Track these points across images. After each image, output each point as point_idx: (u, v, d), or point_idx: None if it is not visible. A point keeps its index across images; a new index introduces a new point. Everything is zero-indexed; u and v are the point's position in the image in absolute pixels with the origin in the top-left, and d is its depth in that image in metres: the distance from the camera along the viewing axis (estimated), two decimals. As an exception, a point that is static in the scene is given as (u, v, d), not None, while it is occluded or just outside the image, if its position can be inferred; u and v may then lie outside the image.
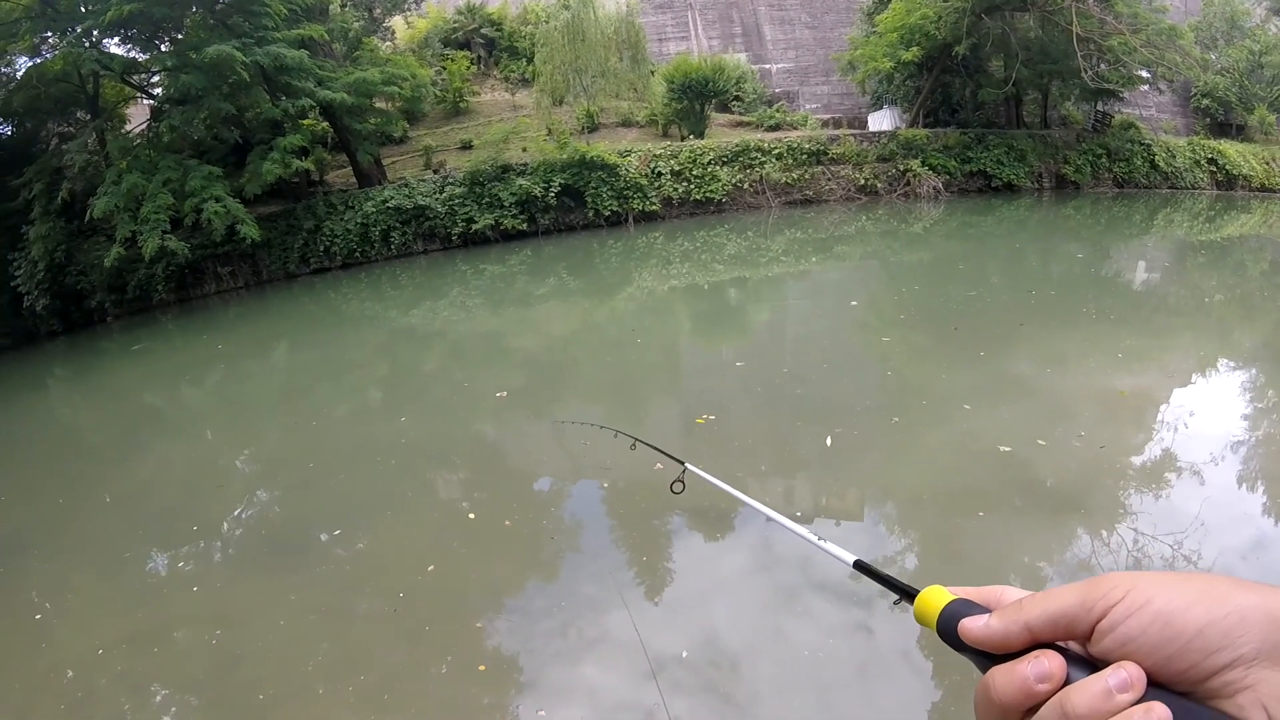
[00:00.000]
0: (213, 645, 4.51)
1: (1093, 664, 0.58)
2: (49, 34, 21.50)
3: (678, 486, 1.83)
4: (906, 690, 3.60)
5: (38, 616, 5.27)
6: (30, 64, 22.60)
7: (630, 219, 24.74)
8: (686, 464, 1.87)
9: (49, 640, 4.92)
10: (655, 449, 2.44)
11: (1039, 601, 0.61)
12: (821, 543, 1.06)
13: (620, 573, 4.82)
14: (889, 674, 3.71)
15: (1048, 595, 0.61)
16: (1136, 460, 5.77)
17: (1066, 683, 0.57)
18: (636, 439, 2.68)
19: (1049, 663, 0.58)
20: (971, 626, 0.64)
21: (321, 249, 23.63)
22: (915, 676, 3.68)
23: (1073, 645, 0.60)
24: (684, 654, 3.89)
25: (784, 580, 4.49)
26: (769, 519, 1.28)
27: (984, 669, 0.63)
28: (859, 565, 0.95)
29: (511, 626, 4.39)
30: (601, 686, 3.80)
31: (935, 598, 0.70)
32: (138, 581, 5.71)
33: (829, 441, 6.35)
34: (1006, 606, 0.64)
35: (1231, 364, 8.35)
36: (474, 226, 23.67)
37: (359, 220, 23.55)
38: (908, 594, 0.76)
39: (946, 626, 0.67)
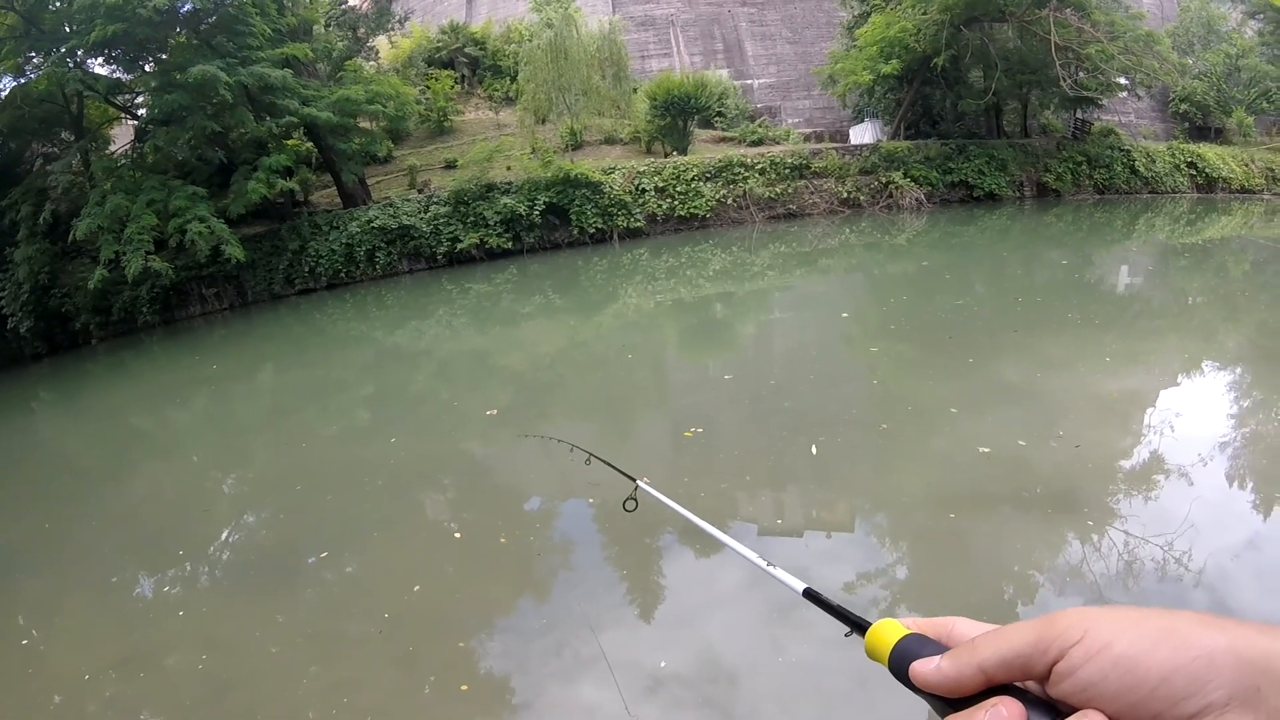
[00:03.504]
0: (201, 670, 4.45)
1: (1055, 708, 0.55)
2: (33, 54, 21.41)
3: (630, 504, 1.78)
4: (906, 705, 3.57)
5: (25, 641, 5.20)
6: (14, 84, 22.51)
7: (615, 236, 24.78)
8: (639, 481, 1.83)
9: (36, 665, 4.84)
10: (608, 464, 2.39)
11: (991, 642, 0.58)
12: (771, 569, 1.01)
13: (612, 590, 4.79)
14: (890, 687, 3.67)
15: (1000, 635, 0.59)
16: (1126, 461, 5.79)
17: None
18: (591, 454, 2.62)
19: (1007, 711, 0.55)
20: (923, 670, 0.62)
21: (306, 269, 23.53)
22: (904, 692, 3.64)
23: (1032, 686, 0.58)
24: (678, 672, 3.86)
25: (778, 595, 4.46)
26: (723, 544, 1.24)
27: (941, 712, 0.61)
28: (809, 594, 0.90)
29: (497, 646, 4.35)
30: (590, 706, 3.76)
31: (887, 632, 0.67)
32: (126, 605, 5.63)
33: (814, 450, 6.35)
34: (959, 648, 0.61)
35: (1216, 364, 8.41)
36: (459, 245, 23.65)
37: (344, 240, 23.48)
38: (859, 626, 0.73)
39: (898, 665, 0.65)
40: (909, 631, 0.66)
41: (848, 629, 0.76)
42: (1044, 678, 0.55)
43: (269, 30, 21.71)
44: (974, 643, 0.60)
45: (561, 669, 4.03)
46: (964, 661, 0.59)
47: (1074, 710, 0.53)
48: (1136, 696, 0.50)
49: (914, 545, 5.01)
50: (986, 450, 5.99)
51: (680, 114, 27.81)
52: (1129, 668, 0.51)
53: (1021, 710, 0.55)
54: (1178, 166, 30.45)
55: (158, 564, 6.19)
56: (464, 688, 3.99)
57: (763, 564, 1.03)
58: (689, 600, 4.60)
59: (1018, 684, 0.58)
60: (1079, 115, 31.84)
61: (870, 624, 0.70)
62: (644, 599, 4.68)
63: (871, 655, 0.68)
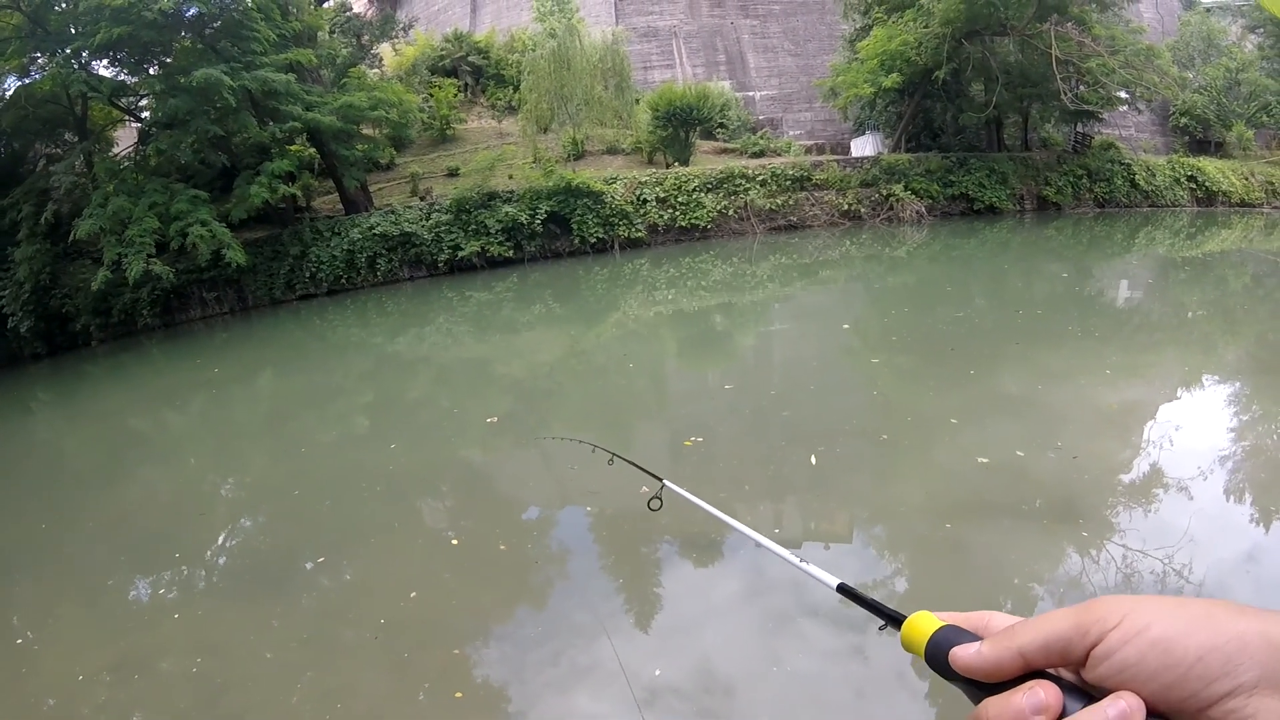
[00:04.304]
0: (195, 674, 4.42)
1: (1087, 693, 0.56)
2: (38, 54, 21.50)
3: (655, 504, 1.78)
4: (903, 713, 3.56)
5: (19, 642, 5.17)
6: (19, 84, 22.56)
7: (616, 246, 24.81)
8: (665, 480, 1.83)
9: (30, 667, 4.82)
10: (633, 464, 2.40)
11: (1032, 627, 0.60)
12: (804, 565, 1.02)
13: (610, 600, 4.78)
14: (886, 697, 3.66)
15: (1041, 620, 0.60)
16: (1126, 474, 5.78)
17: (1063, 713, 0.55)
18: (615, 454, 2.63)
19: (1045, 694, 0.56)
20: (963, 655, 0.62)
21: (307, 275, 23.55)
22: (912, 700, 3.64)
23: (1065, 673, 0.59)
24: (676, 681, 3.84)
25: (775, 605, 4.44)
26: (755, 542, 1.24)
27: (975, 699, 0.61)
28: (843, 589, 0.91)
29: (492, 654, 4.33)
30: (588, 715, 3.74)
31: (923, 624, 0.68)
32: (121, 608, 5.60)
33: (813, 460, 6.34)
34: (999, 633, 0.62)
35: (1216, 377, 8.41)
36: (460, 253, 23.67)
37: (345, 247, 23.50)
38: (894, 620, 0.74)
39: (935, 654, 0.65)
40: (944, 624, 0.67)
41: (882, 623, 0.77)
42: (1081, 663, 0.56)
43: (273, 36, 21.79)
44: (1014, 628, 0.61)
45: (557, 677, 4.02)
46: (1004, 645, 0.60)
47: (1108, 694, 0.55)
48: (1172, 677, 0.52)
49: (912, 556, 5.00)
50: (985, 461, 5.99)
51: (682, 125, 27.88)
52: (1166, 649, 0.52)
53: (1058, 693, 0.56)
54: (1178, 180, 30.51)
55: (153, 567, 6.17)
56: (458, 695, 3.97)
57: (796, 560, 1.04)
58: (688, 609, 4.58)
59: (1052, 671, 0.59)
60: (1079, 129, 31.95)
61: (905, 617, 0.71)
62: (642, 608, 4.66)
63: (907, 647, 0.69)
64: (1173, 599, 0.56)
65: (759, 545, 1.20)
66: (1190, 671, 0.51)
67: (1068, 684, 0.57)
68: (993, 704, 0.58)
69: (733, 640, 4.20)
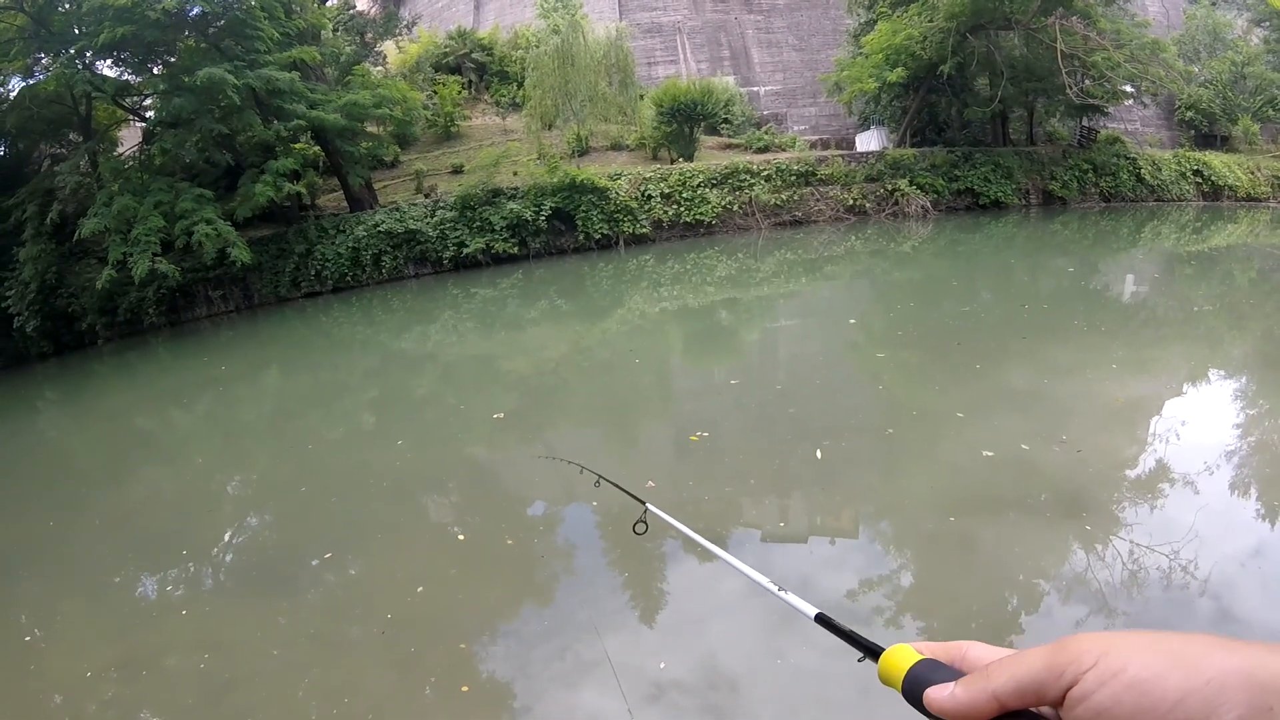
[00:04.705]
0: (202, 671, 4.44)
1: None
2: (42, 55, 21.56)
3: (640, 527, 1.80)
4: (906, 711, 3.55)
5: (26, 639, 5.21)
6: (23, 85, 22.60)
7: (621, 242, 24.79)
8: (648, 505, 1.85)
9: (38, 664, 4.85)
10: (617, 487, 2.41)
11: (1005, 668, 0.59)
12: (783, 594, 1.01)
13: (613, 596, 4.79)
14: (892, 698, 3.66)
15: (1014, 660, 0.59)
16: (1133, 469, 5.77)
17: None
18: (601, 476, 2.64)
19: None
20: (937, 697, 0.62)
21: (313, 273, 23.57)
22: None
23: (1045, 710, 0.58)
24: (680, 678, 3.85)
25: (780, 604, 4.43)
26: (736, 570, 1.23)
27: None
28: (821, 619, 0.90)
29: (499, 649, 4.34)
30: (591, 710, 3.75)
31: (900, 658, 0.67)
32: (127, 605, 5.63)
33: (819, 454, 6.34)
34: (973, 675, 0.61)
35: (1222, 372, 8.39)
36: (465, 250, 23.67)
37: (350, 244, 23.52)
38: (872, 652, 0.73)
39: (912, 691, 0.65)
40: (922, 657, 0.66)
41: (860, 654, 0.76)
42: (1058, 703, 0.55)
43: (277, 34, 21.78)
44: (988, 669, 0.60)
45: (563, 673, 4.02)
46: (978, 688, 0.59)
47: None
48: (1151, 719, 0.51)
49: (917, 550, 5.00)
50: (991, 454, 5.98)
51: (686, 120, 27.84)
52: (1143, 691, 0.51)
53: None
54: (1183, 174, 30.36)
55: (160, 564, 6.19)
56: (465, 689, 3.99)
57: (774, 589, 1.02)
58: (692, 607, 4.59)
59: (1032, 710, 0.58)
60: (1085, 123, 31.82)
61: (883, 649, 0.70)
62: (647, 605, 4.67)
63: (885, 681, 0.69)
64: (1149, 635, 0.55)
65: (740, 572, 1.19)
66: (1169, 715, 0.50)
67: None
68: None
69: (735, 637, 4.20)
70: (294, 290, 23.63)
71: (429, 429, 9.05)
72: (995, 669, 0.59)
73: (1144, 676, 0.51)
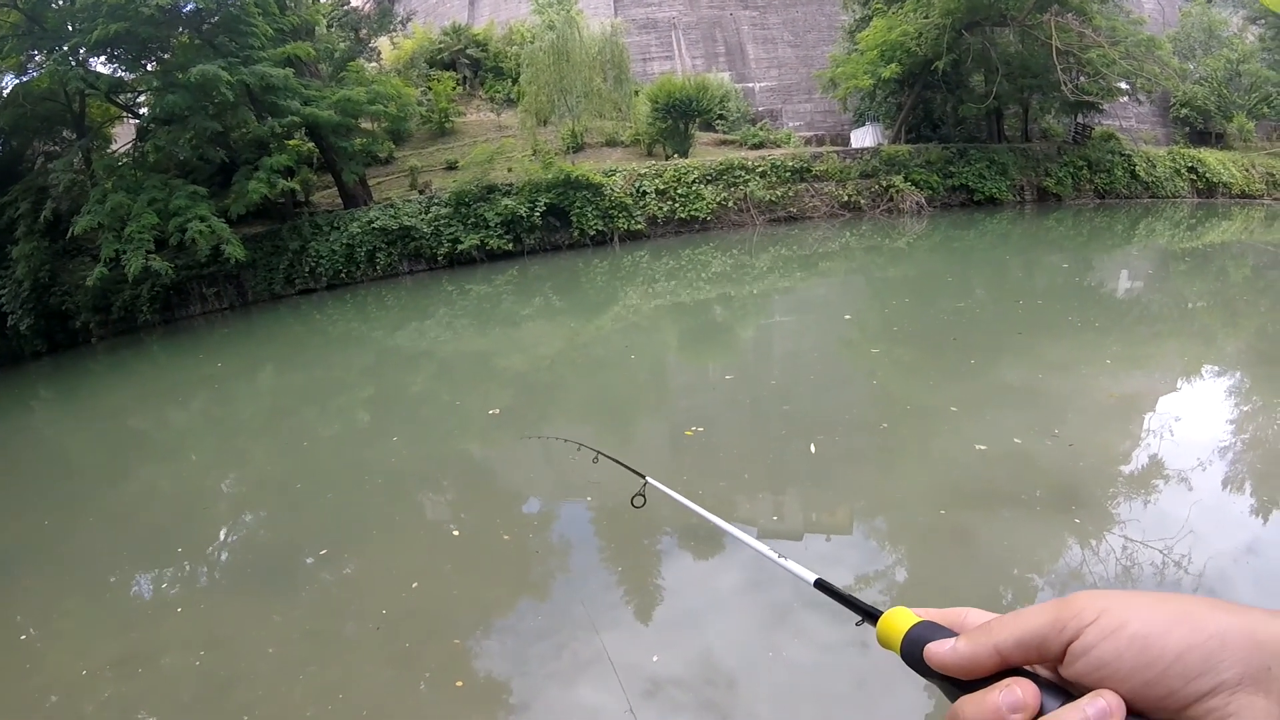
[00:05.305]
0: (199, 668, 4.44)
1: (1065, 690, 0.55)
2: (35, 52, 21.42)
3: (639, 500, 1.79)
4: (904, 707, 3.57)
5: (23, 637, 5.19)
6: (16, 82, 22.49)
7: (615, 238, 24.77)
8: (647, 477, 1.84)
9: (35, 662, 4.84)
10: (617, 462, 2.40)
11: (1008, 623, 0.59)
12: (783, 560, 1.01)
13: (609, 591, 4.79)
14: (888, 689, 3.67)
15: (1017, 616, 0.59)
16: (1127, 464, 5.79)
17: (1040, 711, 0.55)
18: (599, 452, 2.64)
19: (1021, 691, 0.55)
20: (938, 651, 0.61)
21: (307, 270, 23.53)
22: (911, 690, 3.65)
23: (1042, 670, 0.58)
24: (676, 673, 3.86)
25: (776, 597, 4.45)
26: (734, 538, 1.24)
27: (952, 697, 0.60)
28: (820, 584, 0.89)
29: (493, 645, 4.35)
30: (591, 706, 3.75)
31: (899, 620, 0.67)
32: (124, 603, 5.63)
33: (813, 449, 6.35)
34: (974, 629, 0.61)
35: (1216, 368, 8.42)
36: (459, 247, 23.65)
37: (344, 241, 23.48)
38: (870, 615, 0.73)
39: (911, 651, 0.65)
40: (921, 619, 0.66)
41: (859, 618, 0.76)
42: (1058, 659, 0.55)
43: (271, 30, 21.74)
44: (990, 624, 0.60)
45: (558, 669, 4.03)
46: (979, 642, 0.59)
47: (1086, 692, 0.54)
48: (1150, 675, 0.51)
49: (910, 544, 5.01)
50: (984, 448, 6.00)
51: (681, 117, 27.83)
52: (1143, 646, 0.51)
53: (1035, 690, 0.55)
54: (1178, 171, 30.45)
55: (156, 562, 6.19)
56: (459, 684, 3.99)
57: (774, 556, 1.03)
58: (688, 601, 4.60)
59: (1029, 667, 0.58)
60: (1080, 120, 31.87)
61: (881, 613, 0.70)
62: (643, 600, 4.68)
63: (884, 643, 0.68)
64: (1150, 594, 0.55)
65: (739, 541, 1.20)
66: (1170, 669, 0.50)
67: (1045, 681, 0.57)
68: (969, 702, 0.57)
69: (732, 632, 4.21)
70: (288, 287, 23.58)
71: (424, 425, 9.04)
72: (997, 624, 0.59)
73: (1145, 631, 0.52)
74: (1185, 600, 0.54)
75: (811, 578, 0.92)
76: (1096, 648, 0.53)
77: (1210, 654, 0.50)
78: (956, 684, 0.60)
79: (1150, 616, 0.52)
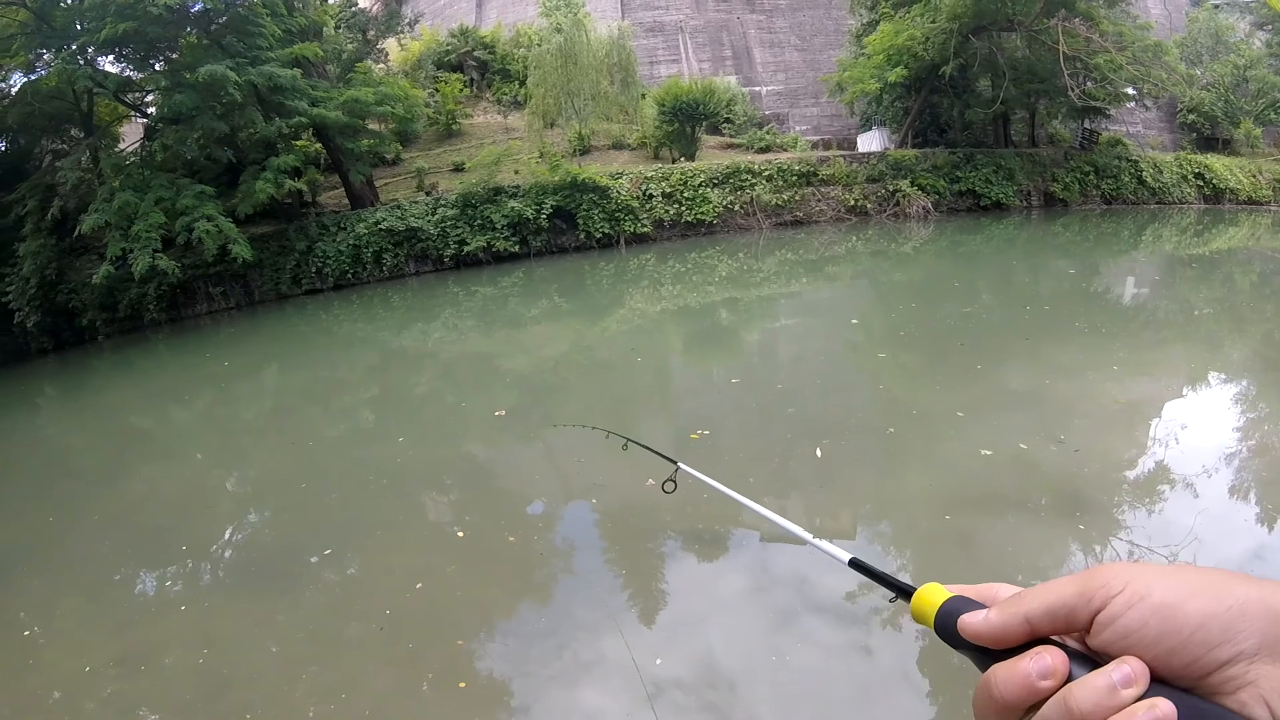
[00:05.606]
0: (200, 667, 4.44)
1: (1092, 659, 0.57)
2: (44, 51, 21.49)
3: (669, 486, 1.81)
4: (908, 708, 3.56)
5: (25, 634, 5.20)
6: (25, 81, 22.59)
7: (622, 241, 24.77)
8: (679, 464, 1.85)
9: (37, 660, 4.85)
10: (647, 448, 2.44)
11: (1038, 594, 0.61)
12: (817, 541, 1.05)
13: (615, 594, 4.78)
14: (889, 693, 3.67)
15: (1046, 587, 0.61)
16: (1133, 470, 5.77)
17: (1069, 678, 0.56)
18: (629, 439, 2.68)
19: (1051, 659, 0.57)
20: (971, 621, 0.64)
21: (314, 270, 23.58)
22: (916, 694, 3.64)
23: (1070, 640, 0.60)
24: (681, 675, 3.85)
25: (781, 601, 4.45)
26: (768, 520, 1.27)
27: (983, 666, 0.62)
28: (854, 563, 0.96)
29: (496, 645, 4.35)
30: (594, 708, 3.75)
31: (932, 595, 0.70)
32: (126, 602, 5.63)
33: (819, 453, 6.34)
34: (1005, 600, 0.63)
35: (1222, 375, 8.39)
36: (466, 248, 23.68)
37: (351, 241, 23.52)
38: (904, 591, 0.77)
39: (944, 623, 0.67)
40: (953, 594, 0.69)
41: (892, 595, 0.81)
42: (1085, 629, 0.57)
43: (279, 31, 21.80)
44: (1020, 595, 0.62)
45: (562, 671, 4.02)
46: (1010, 612, 0.61)
47: (1112, 660, 0.56)
48: (1173, 642, 0.53)
49: (916, 549, 5.01)
50: (989, 453, 5.98)
51: (688, 120, 27.84)
52: (1167, 615, 0.53)
53: (1064, 658, 0.57)
54: (1185, 177, 30.34)
55: (159, 561, 6.20)
56: (462, 685, 3.99)
57: (808, 536, 1.07)
58: (692, 604, 4.59)
59: (1057, 638, 0.60)
60: (1086, 125, 31.80)
61: (915, 589, 0.73)
62: (647, 602, 4.67)
63: (917, 617, 0.72)
64: (1174, 567, 0.57)
65: (767, 531, 1.23)
66: (1192, 637, 0.52)
67: (1073, 650, 0.58)
68: (1000, 669, 0.59)
69: (738, 633, 4.20)
70: (295, 287, 23.62)
71: (429, 426, 9.05)
72: (1028, 594, 0.62)
73: (1169, 600, 0.54)
74: (1207, 572, 0.56)
75: (846, 557, 0.98)
76: (1122, 617, 0.55)
77: (1230, 624, 0.52)
78: (988, 654, 0.63)
79: (1173, 587, 0.54)
